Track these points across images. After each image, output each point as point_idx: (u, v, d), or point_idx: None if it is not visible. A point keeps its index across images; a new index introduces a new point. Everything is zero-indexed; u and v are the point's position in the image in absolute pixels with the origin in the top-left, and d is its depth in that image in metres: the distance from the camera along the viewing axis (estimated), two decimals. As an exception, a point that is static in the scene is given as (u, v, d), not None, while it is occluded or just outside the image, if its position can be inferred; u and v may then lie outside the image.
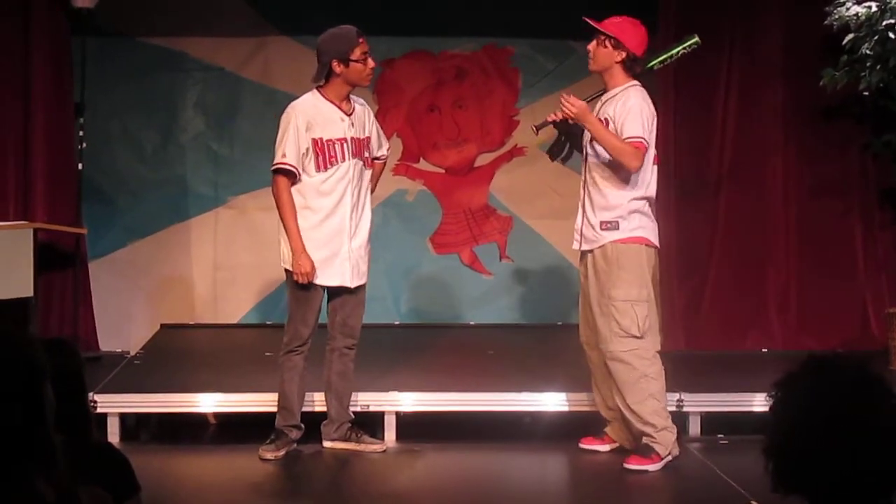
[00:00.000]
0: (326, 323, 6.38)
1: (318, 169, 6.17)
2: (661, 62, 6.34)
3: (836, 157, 8.48)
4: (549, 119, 6.24)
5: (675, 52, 6.36)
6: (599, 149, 6.06)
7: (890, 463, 2.30)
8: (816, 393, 2.33)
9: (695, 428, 6.73)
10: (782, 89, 8.43)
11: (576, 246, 6.25)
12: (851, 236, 8.53)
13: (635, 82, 6.14)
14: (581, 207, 6.21)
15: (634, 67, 6.14)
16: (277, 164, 6.16)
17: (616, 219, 6.05)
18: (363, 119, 6.33)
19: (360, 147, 6.27)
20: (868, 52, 7.44)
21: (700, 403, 6.76)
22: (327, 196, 6.18)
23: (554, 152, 6.38)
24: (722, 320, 8.44)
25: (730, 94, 8.41)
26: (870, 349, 7.87)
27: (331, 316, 6.37)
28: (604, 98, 6.17)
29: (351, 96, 6.30)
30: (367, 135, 6.33)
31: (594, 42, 6.14)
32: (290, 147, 6.13)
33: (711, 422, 6.78)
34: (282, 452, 6.27)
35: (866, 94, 7.74)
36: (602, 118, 6.07)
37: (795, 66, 8.35)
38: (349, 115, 6.25)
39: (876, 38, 7.39)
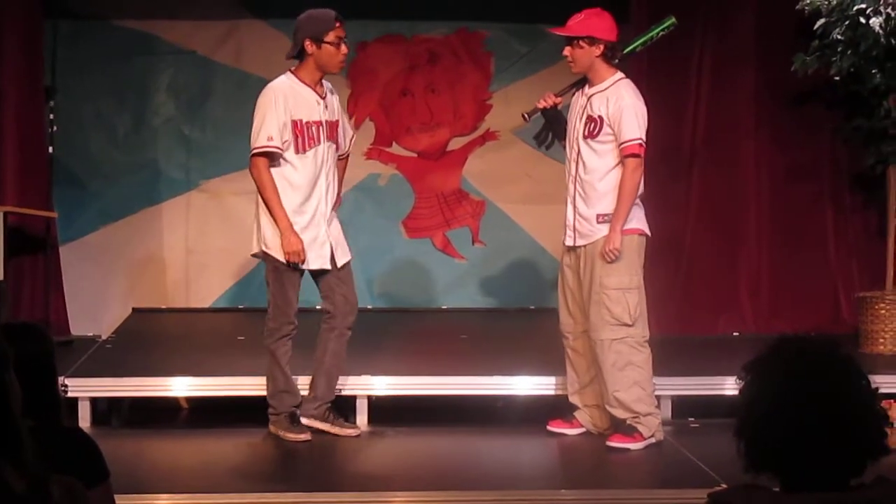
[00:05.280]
0: (322, 306, 6.35)
1: (296, 151, 6.13)
2: (640, 45, 6.35)
3: (808, 142, 8.50)
4: (539, 106, 6.27)
5: (652, 34, 6.37)
6: (592, 144, 6.06)
7: (860, 442, 2.32)
8: (787, 373, 2.34)
9: (666, 411, 6.74)
10: (754, 74, 8.44)
11: (569, 242, 6.20)
12: (822, 220, 8.56)
13: (621, 75, 6.13)
14: (571, 202, 6.18)
15: (615, 54, 6.14)
16: (264, 146, 6.08)
17: (612, 212, 6.06)
18: (333, 103, 6.33)
19: (332, 130, 6.27)
20: (839, 36, 7.46)
21: (671, 387, 6.77)
22: (305, 179, 6.15)
23: (540, 139, 6.43)
24: (694, 304, 8.45)
25: (702, 79, 8.41)
26: (841, 332, 7.90)
27: (327, 297, 6.33)
28: (589, 92, 6.13)
29: (322, 81, 6.29)
30: (336, 118, 6.32)
31: (568, 47, 6.12)
32: (274, 128, 6.07)
33: (682, 405, 6.80)
34: (307, 433, 6.26)
35: (837, 78, 7.78)
36: (595, 115, 6.06)
37: (767, 50, 8.36)
38: (323, 98, 6.24)
39: (847, 22, 7.42)
